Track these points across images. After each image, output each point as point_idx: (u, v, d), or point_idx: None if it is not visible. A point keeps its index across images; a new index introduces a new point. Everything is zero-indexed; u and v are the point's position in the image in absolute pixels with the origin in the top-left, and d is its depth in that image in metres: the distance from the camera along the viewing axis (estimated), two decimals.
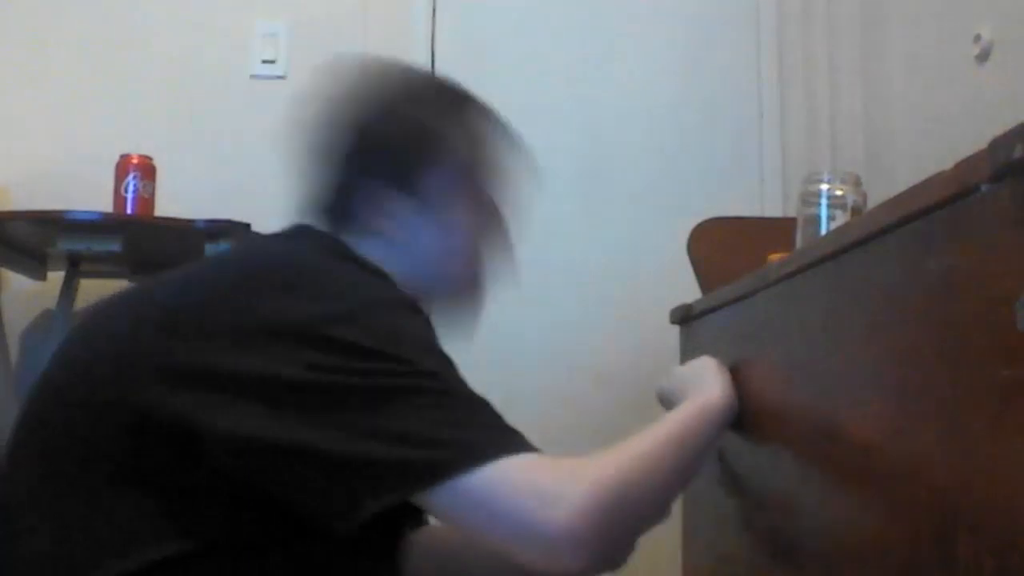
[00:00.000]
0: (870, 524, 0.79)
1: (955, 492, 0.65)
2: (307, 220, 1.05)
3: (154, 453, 0.84)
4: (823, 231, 1.21)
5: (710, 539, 1.31)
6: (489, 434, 0.84)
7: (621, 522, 0.85)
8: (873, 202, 1.00)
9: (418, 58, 2.47)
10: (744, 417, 1.09)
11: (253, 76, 2.43)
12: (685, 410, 1.01)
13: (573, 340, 2.40)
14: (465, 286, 1.08)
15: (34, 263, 2.17)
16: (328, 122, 1.06)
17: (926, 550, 0.69)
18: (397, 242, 1.02)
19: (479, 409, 0.86)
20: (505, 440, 0.84)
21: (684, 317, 1.48)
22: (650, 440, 0.93)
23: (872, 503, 0.79)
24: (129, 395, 0.84)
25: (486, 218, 1.08)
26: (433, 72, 1.15)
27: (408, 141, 1.04)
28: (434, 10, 2.49)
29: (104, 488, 0.84)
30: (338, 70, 1.08)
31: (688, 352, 1.48)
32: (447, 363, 0.89)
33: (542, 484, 0.81)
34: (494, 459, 0.81)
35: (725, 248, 1.70)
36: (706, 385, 1.06)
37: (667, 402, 1.12)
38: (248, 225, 1.94)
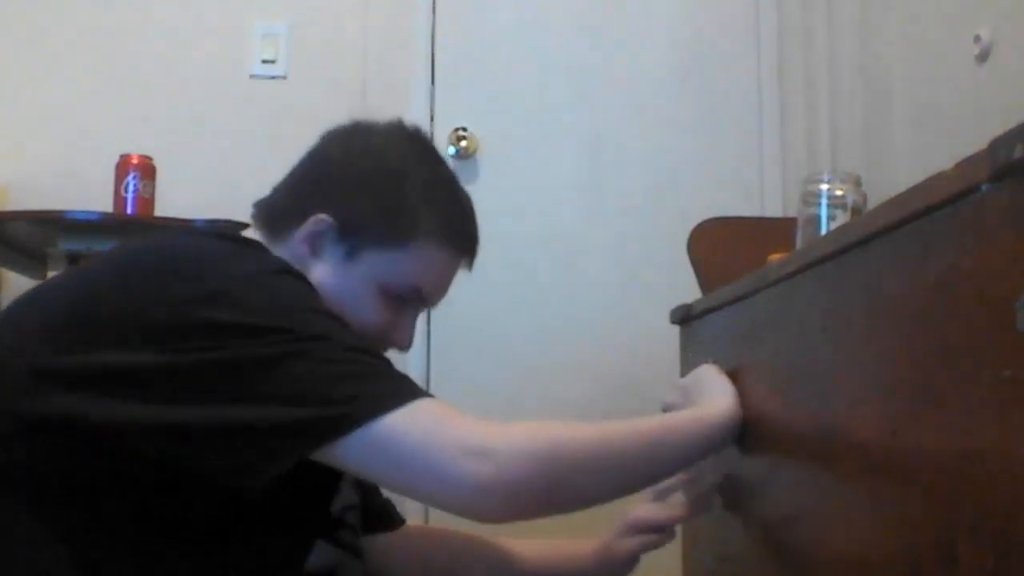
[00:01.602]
0: (869, 524, 0.79)
1: (955, 492, 0.65)
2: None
3: (43, 460, 0.84)
4: (823, 231, 1.21)
5: (710, 540, 1.31)
6: (385, 385, 0.84)
7: (550, 490, 0.85)
8: (873, 202, 1.00)
9: (418, 58, 2.47)
10: (743, 417, 1.09)
11: (253, 76, 2.43)
12: (680, 415, 1.01)
13: (573, 340, 2.40)
14: None
15: (34, 263, 2.17)
16: (325, 145, 1.08)
17: (926, 550, 0.69)
18: (307, 271, 1.01)
19: (370, 363, 0.86)
20: (403, 390, 0.84)
21: (684, 317, 1.48)
22: (626, 428, 0.92)
23: (871, 503, 0.79)
24: (13, 402, 0.84)
25: (406, 297, 1.05)
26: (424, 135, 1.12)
27: (385, 203, 1.03)
28: (434, 10, 2.49)
29: None
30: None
31: (688, 352, 1.48)
32: (332, 323, 0.88)
33: (466, 436, 0.82)
34: (395, 408, 0.82)
35: (725, 248, 1.70)
36: (713, 398, 1.04)
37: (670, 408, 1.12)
38: (248, 225, 1.93)
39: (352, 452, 0.82)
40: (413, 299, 1.05)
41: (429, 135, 1.12)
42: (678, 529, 1.46)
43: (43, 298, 0.95)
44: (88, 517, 0.84)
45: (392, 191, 1.03)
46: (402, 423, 0.82)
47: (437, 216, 1.04)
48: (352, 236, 1.01)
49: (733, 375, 1.10)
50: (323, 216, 1.01)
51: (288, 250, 1.02)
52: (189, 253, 0.91)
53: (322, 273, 1.01)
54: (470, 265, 1.10)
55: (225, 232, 0.99)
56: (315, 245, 1.02)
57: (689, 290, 1.68)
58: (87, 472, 0.84)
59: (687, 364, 1.47)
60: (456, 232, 1.06)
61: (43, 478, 0.84)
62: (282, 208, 1.06)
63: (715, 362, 1.16)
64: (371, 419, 0.81)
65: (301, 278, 0.93)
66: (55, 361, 0.84)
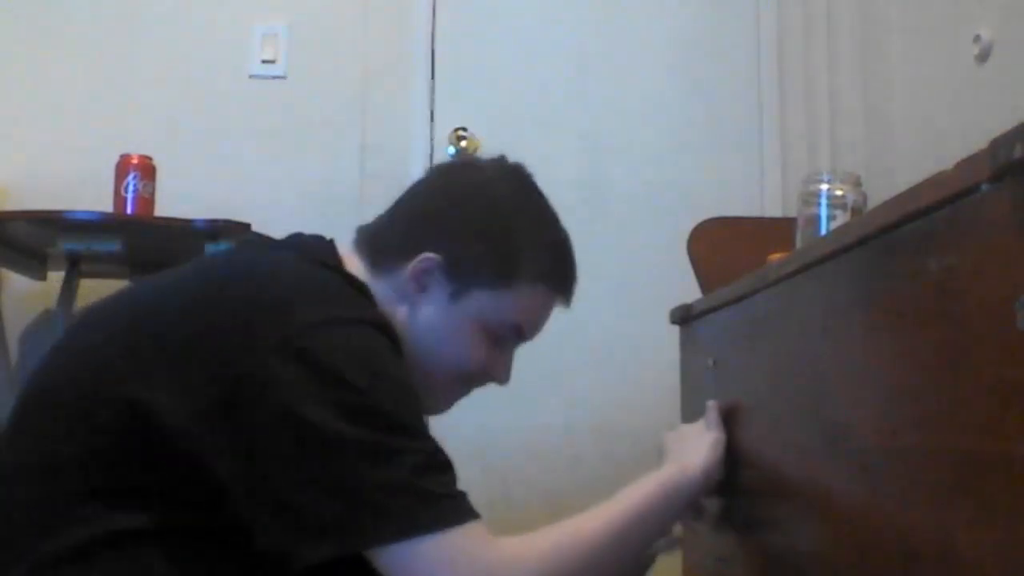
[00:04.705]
0: (869, 523, 0.79)
1: (955, 492, 0.65)
2: (328, 236, 1.06)
3: (129, 452, 0.85)
4: (823, 231, 1.21)
5: (710, 540, 1.31)
6: (429, 505, 0.85)
7: None
8: (873, 202, 1.00)
9: (418, 58, 2.47)
10: (744, 417, 1.10)
11: (253, 76, 2.43)
12: (649, 487, 1.02)
13: (573, 340, 2.40)
14: (432, 388, 1.04)
15: (34, 263, 2.17)
16: (433, 181, 1.11)
17: (925, 549, 0.69)
18: (411, 311, 1.03)
19: (429, 475, 0.86)
20: (444, 514, 0.85)
21: (684, 317, 1.48)
22: (600, 522, 0.96)
23: (871, 503, 0.79)
24: (108, 391, 0.86)
25: (502, 344, 1.10)
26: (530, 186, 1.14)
27: (494, 244, 1.05)
28: (434, 10, 2.48)
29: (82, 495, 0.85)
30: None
31: (688, 352, 1.48)
32: (416, 420, 0.89)
33: (490, 561, 0.86)
34: (427, 534, 0.83)
35: (725, 248, 1.70)
36: (686, 458, 1.08)
37: (660, 457, 1.14)
38: (248, 225, 1.94)
39: (378, 559, 0.84)
40: (512, 336, 1.11)
41: (529, 172, 1.13)
42: (678, 528, 1.46)
43: (132, 312, 0.95)
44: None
45: (500, 233, 1.06)
46: (427, 550, 0.84)
47: (542, 259, 1.08)
48: (460, 277, 1.03)
49: (734, 375, 1.10)
50: (432, 255, 1.03)
51: (393, 284, 1.03)
52: (317, 292, 0.92)
53: (428, 311, 1.03)
54: (567, 302, 1.15)
55: (334, 264, 1.00)
56: (422, 282, 1.03)
57: (689, 290, 1.69)
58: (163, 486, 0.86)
59: (687, 364, 1.47)
60: (559, 274, 1.12)
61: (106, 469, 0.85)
62: (388, 241, 1.06)
63: (715, 405, 1.16)
64: (403, 540, 0.83)
65: (401, 357, 0.93)
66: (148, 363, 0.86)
